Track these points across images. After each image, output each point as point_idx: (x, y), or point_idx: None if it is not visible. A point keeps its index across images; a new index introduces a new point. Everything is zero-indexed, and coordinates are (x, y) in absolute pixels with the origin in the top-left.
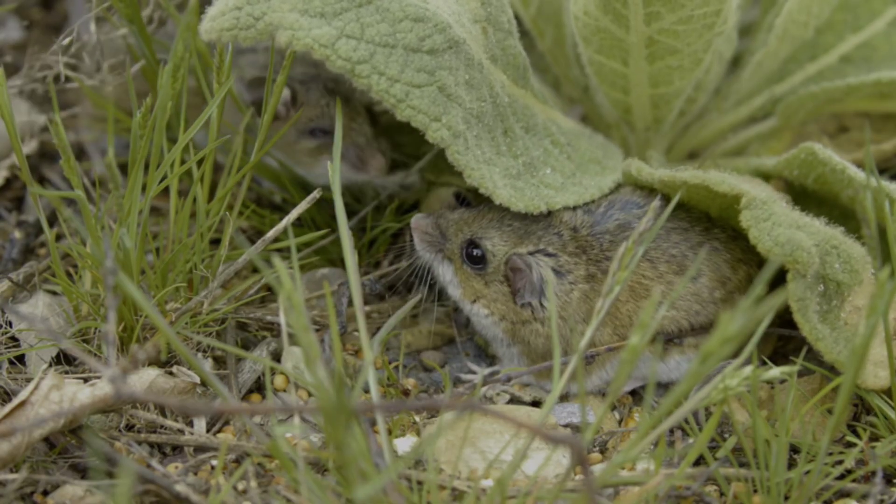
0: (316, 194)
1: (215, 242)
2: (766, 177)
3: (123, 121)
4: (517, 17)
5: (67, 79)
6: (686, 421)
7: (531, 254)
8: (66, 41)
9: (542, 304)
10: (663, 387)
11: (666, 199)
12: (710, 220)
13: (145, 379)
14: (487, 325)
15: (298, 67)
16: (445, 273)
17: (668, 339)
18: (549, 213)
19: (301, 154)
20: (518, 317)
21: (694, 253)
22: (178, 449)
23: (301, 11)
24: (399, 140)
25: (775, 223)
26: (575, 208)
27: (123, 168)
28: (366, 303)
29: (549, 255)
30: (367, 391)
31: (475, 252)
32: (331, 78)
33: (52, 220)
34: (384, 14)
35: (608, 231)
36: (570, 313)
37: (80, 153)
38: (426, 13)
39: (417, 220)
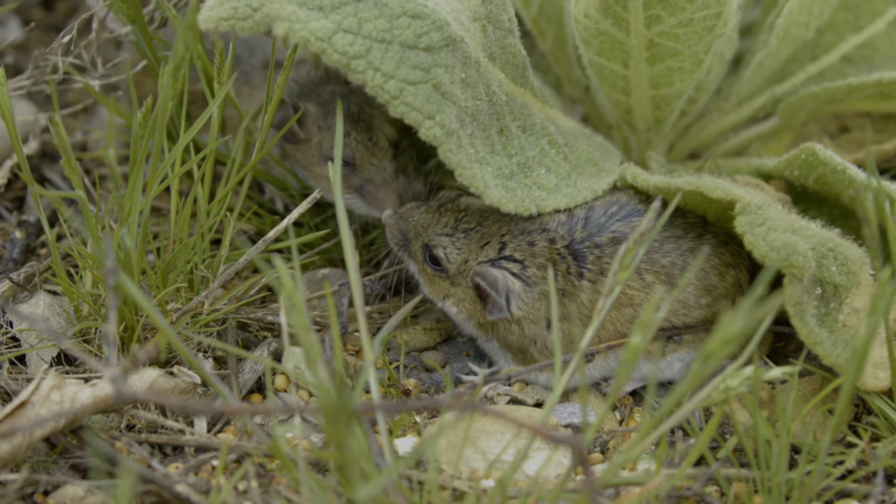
0: (316, 194)
1: (216, 243)
2: (766, 177)
3: (127, 119)
4: (518, 18)
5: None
6: (687, 421)
7: (494, 261)
8: (66, 38)
9: (509, 310)
10: (663, 387)
11: (665, 202)
12: (705, 226)
13: (146, 379)
14: (459, 321)
15: (324, 91)
16: (414, 270)
17: (668, 338)
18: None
19: (322, 180)
20: (486, 318)
21: (684, 261)
22: (178, 449)
23: (299, 4)
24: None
25: (770, 228)
26: (569, 212)
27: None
28: (367, 303)
29: (514, 261)
30: (367, 391)
31: (433, 256)
32: (354, 102)
33: (53, 220)
34: (382, 9)
35: (597, 245)
36: (538, 318)
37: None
38: (424, 10)
39: (386, 218)
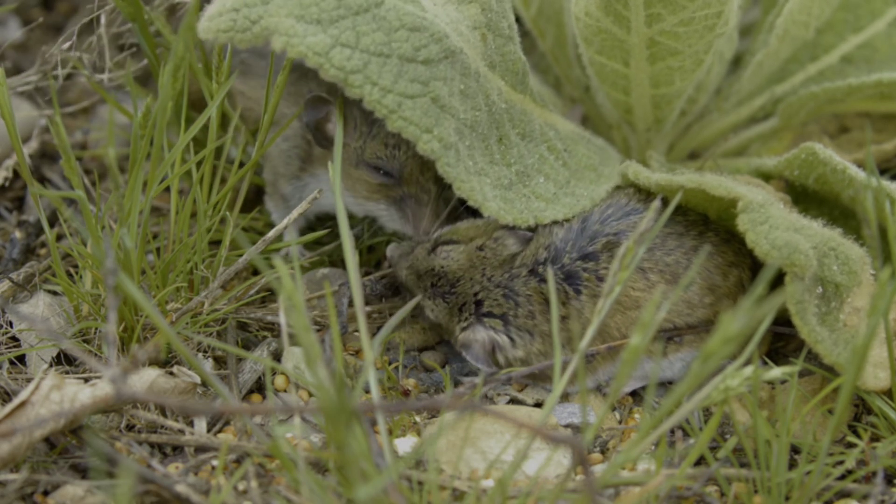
0: (317, 194)
1: (216, 243)
2: (766, 177)
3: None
4: (518, 18)
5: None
6: (687, 421)
7: (473, 325)
8: (72, 36)
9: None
10: (663, 386)
11: (665, 201)
12: (706, 224)
13: (146, 379)
14: None
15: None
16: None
17: (669, 339)
18: (508, 260)
19: (357, 182)
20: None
21: (687, 259)
22: (178, 449)
23: (297, 17)
24: None
25: (772, 226)
26: (566, 225)
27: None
28: (366, 303)
29: (495, 317)
30: (367, 391)
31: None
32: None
33: (53, 220)
34: (380, 23)
35: (589, 256)
36: (540, 353)
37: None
38: (423, 23)
39: (389, 255)
